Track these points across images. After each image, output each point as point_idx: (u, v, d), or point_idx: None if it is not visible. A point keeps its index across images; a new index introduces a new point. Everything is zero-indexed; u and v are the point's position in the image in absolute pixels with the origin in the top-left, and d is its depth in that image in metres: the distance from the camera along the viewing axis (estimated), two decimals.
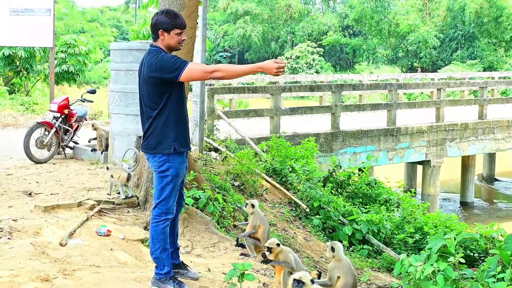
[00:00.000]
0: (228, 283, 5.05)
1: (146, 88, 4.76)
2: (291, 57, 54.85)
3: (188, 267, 5.29)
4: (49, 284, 4.67)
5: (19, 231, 6.24)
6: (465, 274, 5.00)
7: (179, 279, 4.97)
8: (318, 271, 6.64)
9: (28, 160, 10.17)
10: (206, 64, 10.26)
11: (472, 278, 4.95)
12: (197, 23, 8.45)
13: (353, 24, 62.91)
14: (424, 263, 4.46)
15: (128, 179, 7.75)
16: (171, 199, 4.84)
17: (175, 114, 4.78)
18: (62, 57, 22.80)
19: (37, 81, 23.84)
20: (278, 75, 4.64)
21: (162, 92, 4.72)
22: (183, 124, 4.87)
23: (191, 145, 5.11)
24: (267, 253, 5.94)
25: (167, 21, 4.76)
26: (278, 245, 6.04)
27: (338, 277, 5.45)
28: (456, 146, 17.91)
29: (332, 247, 5.47)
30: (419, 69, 54.52)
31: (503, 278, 4.25)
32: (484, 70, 47.72)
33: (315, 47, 56.45)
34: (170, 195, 4.82)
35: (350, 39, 63.82)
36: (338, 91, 15.63)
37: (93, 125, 10.76)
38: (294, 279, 4.46)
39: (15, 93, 24.04)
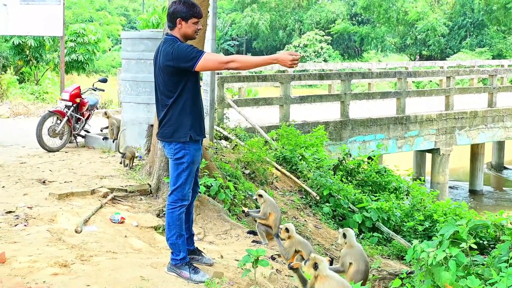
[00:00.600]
0: (242, 268, 5.12)
1: (162, 76, 4.82)
2: (299, 45, 54.69)
3: (202, 253, 5.37)
4: (67, 270, 4.76)
5: (34, 218, 6.33)
6: (476, 260, 5.06)
7: (194, 264, 5.05)
8: (330, 257, 6.72)
9: (40, 149, 10.27)
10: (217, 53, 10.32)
11: (483, 264, 5.00)
12: (208, 12, 8.50)
13: (361, 12, 62.58)
14: (436, 249, 4.51)
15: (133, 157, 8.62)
16: (187, 186, 4.90)
17: (190, 102, 4.84)
18: (71, 46, 22.87)
19: (46, 70, 23.93)
20: (293, 67, 4.68)
21: (178, 80, 4.77)
22: (198, 112, 4.92)
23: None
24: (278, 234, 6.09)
25: (185, 10, 4.81)
26: (287, 229, 6.12)
27: (350, 263, 5.53)
28: (465, 134, 17.91)
29: (344, 233, 5.56)
30: (418, 57, 54.53)
31: None
32: (493, 58, 47.44)
33: (323, 36, 56.26)
34: (185, 182, 4.89)
35: (358, 27, 63.55)
36: (348, 79, 15.64)
37: (105, 113, 10.83)
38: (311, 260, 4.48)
39: (24, 82, 24.15)
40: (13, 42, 21.24)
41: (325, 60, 51.90)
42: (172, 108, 4.82)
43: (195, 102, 4.89)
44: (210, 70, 5.51)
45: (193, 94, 4.87)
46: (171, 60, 4.71)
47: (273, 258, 6.35)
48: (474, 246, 4.56)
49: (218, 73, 16.58)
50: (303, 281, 4.57)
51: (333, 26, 62.25)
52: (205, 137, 5.08)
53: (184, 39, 4.88)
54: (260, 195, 7.07)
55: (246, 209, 7.85)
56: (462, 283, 4.24)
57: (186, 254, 4.97)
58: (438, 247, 4.58)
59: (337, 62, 47.89)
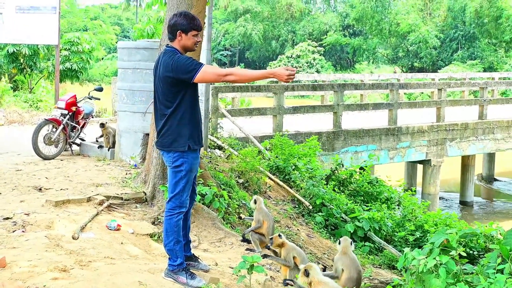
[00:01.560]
0: (237, 275, 5.22)
1: (162, 87, 4.94)
2: (291, 56, 54.94)
3: (199, 259, 5.48)
4: (67, 274, 4.86)
5: (31, 224, 6.41)
6: (465, 269, 5.18)
7: (191, 270, 5.15)
8: (322, 265, 6.83)
9: (36, 156, 10.34)
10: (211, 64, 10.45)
11: (472, 273, 5.13)
12: (205, 23, 8.63)
13: (353, 24, 63.02)
14: (426, 257, 4.64)
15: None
16: (185, 193, 5.02)
17: (189, 113, 4.96)
18: (65, 54, 22.95)
19: (40, 78, 23.99)
20: (288, 81, 4.81)
21: (177, 91, 4.89)
22: (197, 122, 5.04)
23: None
24: (269, 245, 6.17)
25: (185, 23, 4.95)
26: (279, 236, 6.22)
27: (342, 270, 5.63)
28: (456, 145, 18.09)
29: (340, 240, 5.74)
30: (396, 69, 54.92)
31: (502, 270, 4.43)
32: (485, 71, 47.85)
33: (315, 46, 56.58)
34: (183, 190, 5.00)
35: (350, 39, 63.92)
36: (340, 90, 15.80)
37: (103, 125, 10.82)
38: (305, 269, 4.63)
39: (18, 90, 24.19)
40: (7, 50, 21.31)
41: (317, 71, 52.15)
42: (171, 118, 4.94)
43: (193, 113, 5.00)
44: (209, 82, 5.63)
45: (192, 105, 4.99)
46: (171, 72, 4.83)
47: (265, 254, 6.44)
48: (464, 254, 4.69)
49: (212, 83, 16.72)
50: None
51: (325, 38, 62.57)
52: (202, 146, 5.20)
53: (184, 51, 5.01)
54: (255, 201, 7.16)
55: (242, 216, 7.96)
56: None
57: (183, 260, 5.07)
58: (429, 255, 4.70)
59: (330, 73, 48.11)
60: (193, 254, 5.47)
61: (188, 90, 4.93)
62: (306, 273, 4.53)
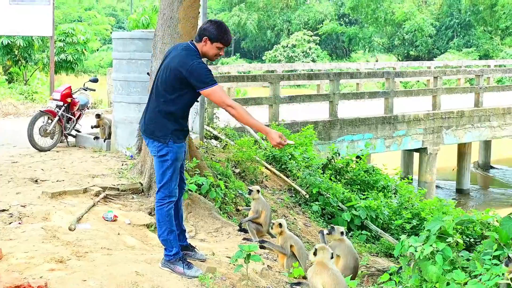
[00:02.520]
0: (234, 264, 5.23)
1: (166, 75, 4.89)
2: (287, 45, 54.86)
3: (195, 249, 5.48)
4: (63, 265, 4.86)
5: (28, 216, 6.41)
6: (462, 256, 5.20)
7: (188, 260, 5.16)
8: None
9: (31, 148, 10.31)
10: None
11: (469, 259, 5.15)
12: (199, 12, 8.60)
13: (349, 13, 62.89)
14: (423, 244, 4.65)
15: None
16: (173, 183, 5.01)
17: (181, 112, 4.97)
18: (60, 46, 22.84)
19: (35, 70, 23.90)
20: (277, 148, 4.82)
21: (179, 88, 4.86)
22: (184, 122, 5.04)
23: (191, 133, 5.27)
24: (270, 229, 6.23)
25: (215, 33, 4.91)
26: (280, 225, 6.25)
27: (338, 256, 5.64)
28: (452, 133, 18.11)
29: (332, 226, 5.79)
30: (377, 57, 54.98)
31: (498, 257, 4.44)
32: (480, 58, 47.83)
33: (311, 36, 56.46)
34: (171, 179, 4.99)
35: (346, 27, 63.80)
36: (336, 79, 15.78)
37: (98, 116, 10.81)
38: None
39: (13, 82, 24.09)
40: (1, 42, 21.20)
41: (313, 60, 52.09)
42: (161, 108, 4.92)
43: (184, 113, 5.02)
44: (211, 101, 5.57)
45: (186, 106, 4.98)
46: (185, 71, 4.78)
47: (262, 244, 6.47)
48: (460, 241, 4.70)
49: None
50: None
51: (321, 27, 62.43)
52: (186, 139, 5.17)
53: (203, 56, 4.98)
54: (258, 191, 7.18)
55: (240, 207, 7.97)
56: (448, 277, 4.37)
57: (178, 249, 5.08)
58: (425, 242, 4.72)
59: (326, 62, 48.09)
60: (189, 243, 5.47)
61: (189, 92, 4.90)
62: (315, 253, 4.71)
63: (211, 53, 4.97)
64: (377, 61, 49.17)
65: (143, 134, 5.12)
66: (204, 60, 5.03)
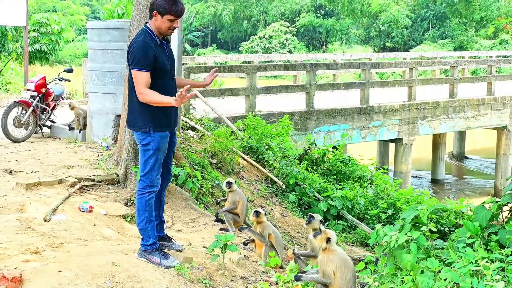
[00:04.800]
0: (211, 254, 5.24)
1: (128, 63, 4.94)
2: (264, 36, 54.82)
3: (172, 240, 5.48)
4: (38, 256, 4.82)
5: (2, 207, 6.35)
6: (436, 244, 5.26)
7: (164, 250, 5.15)
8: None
9: (5, 139, 10.19)
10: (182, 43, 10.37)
11: (443, 248, 5.21)
12: None
13: (325, 4, 62.99)
14: (398, 233, 4.69)
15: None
16: (154, 172, 4.99)
17: None
18: (34, 36, 22.56)
19: (9, 60, 23.59)
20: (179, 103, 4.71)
21: None
22: (164, 109, 4.93)
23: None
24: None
25: (163, 6, 4.85)
26: (257, 212, 6.27)
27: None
28: (427, 124, 18.27)
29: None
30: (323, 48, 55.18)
31: (472, 244, 4.51)
32: (455, 50, 48.26)
33: (288, 27, 56.48)
34: (153, 168, 4.97)
35: (323, 19, 63.88)
36: (313, 70, 15.81)
37: (69, 105, 10.79)
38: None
39: None
40: None
41: (290, 52, 52.12)
42: (135, 97, 4.91)
43: None
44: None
45: (159, 89, 4.87)
46: (128, 51, 4.87)
47: (245, 244, 6.49)
48: (434, 229, 4.75)
49: (184, 64, 16.62)
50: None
51: (298, 20, 62.45)
52: (171, 129, 5.12)
53: (159, 33, 4.94)
54: (231, 183, 7.18)
55: (219, 200, 7.97)
56: (422, 265, 4.42)
57: (156, 240, 5.07)
58: (400, 230, 4.76)
59: (302, 53, 48.14)
60: (166, 234, 5.46)
61: (152, 75, 4.87)
62: (328, 240, 4.68)
63: (163, 27, 4.91)
64: (323, 52, 49.34)
65: (127, 127, 5.11)
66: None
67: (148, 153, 4.96)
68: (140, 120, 4.92)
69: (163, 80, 4.97)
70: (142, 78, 4.81)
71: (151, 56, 4.81)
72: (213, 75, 5.34)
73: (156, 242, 5.06)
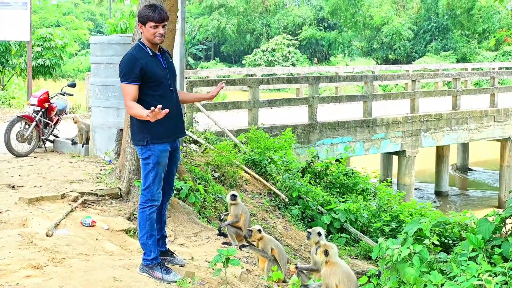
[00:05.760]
0: (213, 268, 5.22)
1: None
2: (267, 49, 54.96)
3: (174, 254, 5.46)
4: (40, 272, 4.81)
5: (4, 222, 6.34)
6: (440, 257, 5.24)
7: (166, 265, 5.13)
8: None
9: (8, 154, 10.21)
10: (185, 56, 10.43)
11: (446, 261, 5.18)
12: (177, 17, 8.58)
13: (328, 17, 63.20)
14: (400, 246, 4.67)
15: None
16: (155, 187, 4.99)
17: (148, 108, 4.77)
18: (38, 51, 22.66)
19: (12, 75, 23.68)
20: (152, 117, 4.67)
21: None
22: (161, 120, 4.78)
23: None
24: (247, 236, 6.18)
25: (143, 14, 4.90)
26: (259, 231, 6.25)
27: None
28: (430, 136, 18.24)
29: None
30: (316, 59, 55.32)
31: (475, 258, 4.48)
32: (458, 62, 48.32)
33: (290, 40, 56.63)
34: (153, 182, 4.97)
35: (325, 32, 64.08)
36: (315, 83, 15.83)
37: (73, 119, 10.81)
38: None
39: None
40: None
41: (293, 64, 52.24)
42: None
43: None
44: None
45: (155, 100, 4.87)
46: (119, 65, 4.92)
47: (243, 246, 6.46)
48: (437, 243, 4.73)
49: (186, 77, 16.67)
50: None
51: (301, 33, 62.63)
52: (170, 141, 5.09)
53: (151, 45, 4.96)
54: (236, 195, 7.18)
55: (222, 215, 7.95)
56: (425, 278, 4.40)
57: (157, 254, 5.05)
58: (403, 244, 4.74)
59: (305, 66, 48.23)
60: (168, 249, 5.45)
61: (145, 85, 4.90)
62: (326, 253, 4.70)
63: (149, 35, 4.92)
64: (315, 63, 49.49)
65: (132, 142, 5.16)
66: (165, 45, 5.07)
67: (148, 167, 4.96)
68: (139, 133, 4.94)
69: (160, 91, 4.97)
70: (128, 91, 4.87)
71: (137, 69, 4.84)
72: (219, 87, 5.34)
73: (157, 257, 5.05)
